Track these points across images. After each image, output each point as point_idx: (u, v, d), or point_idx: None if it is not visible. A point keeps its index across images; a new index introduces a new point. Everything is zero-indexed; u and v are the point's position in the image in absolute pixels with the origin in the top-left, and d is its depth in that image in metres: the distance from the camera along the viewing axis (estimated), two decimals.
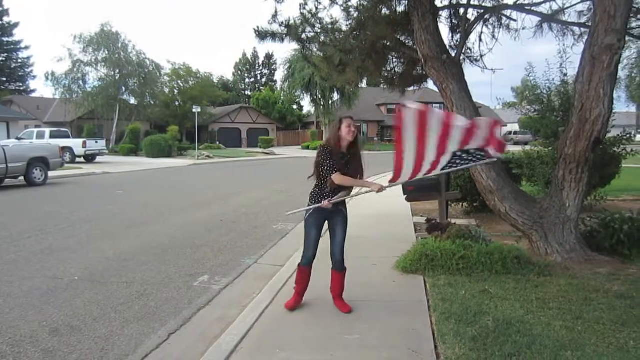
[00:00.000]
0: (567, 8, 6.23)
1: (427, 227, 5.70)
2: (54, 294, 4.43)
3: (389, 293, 4.25)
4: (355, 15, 6.39)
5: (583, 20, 6.27)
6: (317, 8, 6.42)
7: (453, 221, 5.95)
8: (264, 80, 65.26)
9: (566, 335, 3.18)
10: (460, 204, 8.29)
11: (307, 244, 3.74)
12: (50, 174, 14.52)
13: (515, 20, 6.46)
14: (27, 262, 5.49)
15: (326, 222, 3.79)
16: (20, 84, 50.42)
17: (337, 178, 3.54)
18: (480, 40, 6.60)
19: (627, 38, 4.89)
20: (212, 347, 3.23)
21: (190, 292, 4.54)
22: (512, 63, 39.22)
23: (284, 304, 3.84)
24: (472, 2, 6.23)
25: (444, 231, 5.30)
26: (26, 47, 50.52)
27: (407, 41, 6.53)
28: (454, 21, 6.52)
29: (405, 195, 6.21)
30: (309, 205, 3.71)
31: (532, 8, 6.08)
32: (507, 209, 5.27)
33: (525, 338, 3.14)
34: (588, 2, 6.11)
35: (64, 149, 18.71)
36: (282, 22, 6.46)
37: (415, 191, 6.21)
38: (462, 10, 6.27)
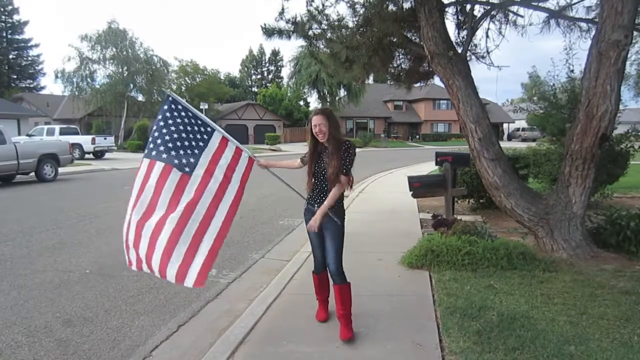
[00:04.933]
0: (575, 4, 6.20)
1: (433, 223, 5.72)
2: (66, 287, 4.54)
3: (394, 287, 4.30)
4: (361, 11, 6.41)
5: (591, 16, 6.23)
6: (323, 5, 6.45)
7: (459, 217, 5.97)
8: (270, 76, 65.34)
9: (570, 330, 3.21)
10: (467, 200, 8.29)
11: (311, 247, 3.49)
12: (60, 170, 14.70)
13: (522, 17, 6.44)
14: (40, 256, 5.60)
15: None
16: (31, 82, 50.98)
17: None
18: (487, 36, 6.59)
19: (634, 34, 4.86)
20: (221, 339, 3.31)
21: None
22: (520, 59, 39.00)
23: (315, 316, 3.59)
24: None
25: (450, 227, 5.32)
26: (36, 45, 51.10)
27: (413, 38, 6.54)
28: (460, 17, 6.51)
29: (412, 192, 6.23)
30: (305, 206, 3.39)
31: (539, 4, 6.06)
32: (512, 205, 5.28)
33: (529, 332, 3.18)
34: None
35: (74, 146, 18.90)
36: (289, 19, 6.49)
37: (421, 187, 6.23)
38: (468, 7, 6.26)
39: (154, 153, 3.13)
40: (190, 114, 3.29)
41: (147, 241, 2.95)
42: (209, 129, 3.31)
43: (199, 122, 3.30)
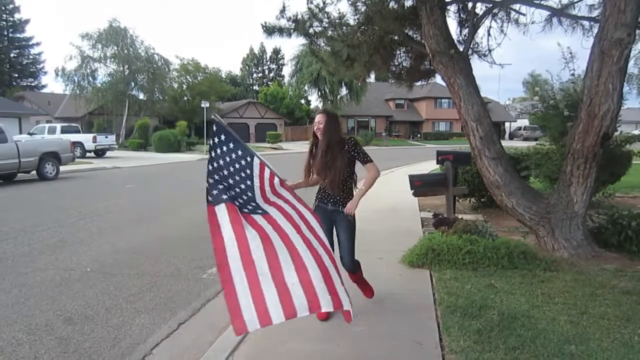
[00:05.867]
0: (577, 2, 6.17)
1: (434, 222, 5.72)
2: (67, 285, 4.55)
3: (395, 286, 4.29)
4: (362, 9, 6.39)
5: (593, 14, 6.20)
6: (324, 2, 6.42)
7: (460, 216, 5.97)
8: (271, 75, 65.31)
9: (571, 330, 3.21)
10: (468, 199, 8.29)
11: None
12: (62, 168, 14.72)
13: (524, 15, 6.41)
14: (41, 254, 5.61)
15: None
16: (32, 80, 51.03)
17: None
18: (489, 34, 6.56)
19: (637, 32, 4.84)
20: (221, 337, 3.31)
21: (200, 284, 4.62)
22: (522, 57, 38.87)
23: (316, 314, 3.43)
24: None
25: (451, 226, 5.31)
26: (37, 44, 51.33)
27: (415, 36, 6.52)
28: (462, 15, 6.49)
29: (413, 190, 6.22)
30: (314, 204, 3.52)
31: (542, 2, 6.03)
32: (514, 204, 5.27)
33: (530, 332, 3.18)
34: None
35: (75, 144, 18.94)
36: (290, 17, 6.48)
37: (422, 186, 6.22)
38: (470, 4, 6.24)
39: (235, 203, 2.83)
40: (232, 145, 2.91)
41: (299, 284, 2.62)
42: (248, 158, 2.93)
43: (240, 152, 2.93)
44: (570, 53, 6.45)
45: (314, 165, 3.43)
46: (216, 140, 2.91)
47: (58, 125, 24.64)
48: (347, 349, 3.08)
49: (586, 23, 6.30)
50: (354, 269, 3.57)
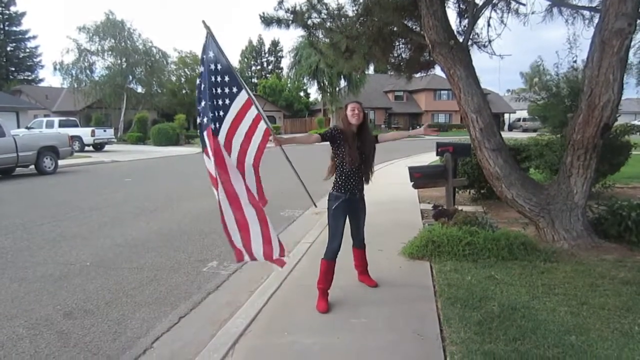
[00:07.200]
0: None
1: (434, 214, 5.71)
2: (67, 279, 4.54)
3: (395, 278, 4.30)
4: (361, 0, 6.34)
5: (594, 4, 6.16)
6: None
7: (460, 208, 5.96)
8: (270, 67, 65.03)
9: (571, 321, 3.21)
10: (468, 191, 8.27)
11: (335, 234, 3.65)
12: (60, 162, 14.69)
13: (524, 5, 6.36)
14: (40, 249, 5.61)
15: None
16: (29, 74, 50.69)
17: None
18: (489, 25, 6.52)
19: (638, 22, 4.80)
20: (222, 330, 3.31)
21: (200, 278, 4.62)
22: (521, 48, 38.71)
23: (316, 307, 3.59)
24: None
25: (451, 218, 5.31)
26: (33, 37, 50.95)
27: (414, 27, 6.47)
28: (461, 6, 6.44)
29: (413, 182, 6.20)
30: (335, 195, 3.67)
31: None
32: (514, 195, 5.26)
33: (530, 323, 3.18)
34: None
35: (73, 138, 18.87)
36: (288, 9, 6.43)
37: (422, 178, 6.20)
38: None
39: (205, 120, 3.22)
40: (220, 65, 3.26)
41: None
42: (234, 89, 3.26)
43: (227, 78, 3.26)
44: (569, 40, 6.39)
45: (347, 154, 3.58)
46: (209, 56, 3.25)
47: (56, 119, 24.53)
48: (348, 341, 3.08)
49: (587, 13, 6.25)
50: (364, 244, 4.09)
